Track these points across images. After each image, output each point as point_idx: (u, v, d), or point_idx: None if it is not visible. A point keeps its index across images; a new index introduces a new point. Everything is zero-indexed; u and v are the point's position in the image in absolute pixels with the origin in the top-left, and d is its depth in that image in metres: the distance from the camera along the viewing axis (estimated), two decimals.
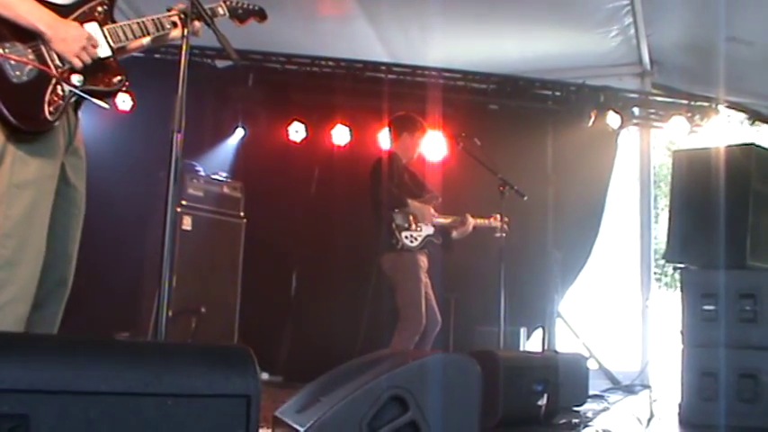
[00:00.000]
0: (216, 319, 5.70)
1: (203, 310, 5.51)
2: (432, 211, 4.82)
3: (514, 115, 7.23)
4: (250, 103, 7.27)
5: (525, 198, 5.20)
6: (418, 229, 4.69)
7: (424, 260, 4.72)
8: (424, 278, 4.69)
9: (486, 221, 5.11)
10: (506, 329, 5.12)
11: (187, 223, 5.63)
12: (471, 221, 4.99)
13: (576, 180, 7.13)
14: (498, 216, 5.14)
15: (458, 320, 6.26)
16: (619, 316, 8.78)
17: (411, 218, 4.68)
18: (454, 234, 4.98)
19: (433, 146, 6.76)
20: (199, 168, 6.04)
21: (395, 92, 6.97)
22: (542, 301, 6.81)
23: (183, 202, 5.65)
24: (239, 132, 7.33)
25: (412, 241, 4.63)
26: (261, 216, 6.55)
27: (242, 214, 6.15)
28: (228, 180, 6.18)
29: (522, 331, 6.34)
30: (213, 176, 6.07)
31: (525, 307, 6.41)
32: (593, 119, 6.98)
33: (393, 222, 4.60)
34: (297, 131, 7.20)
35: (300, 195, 7.09)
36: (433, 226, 4.80)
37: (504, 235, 5.09)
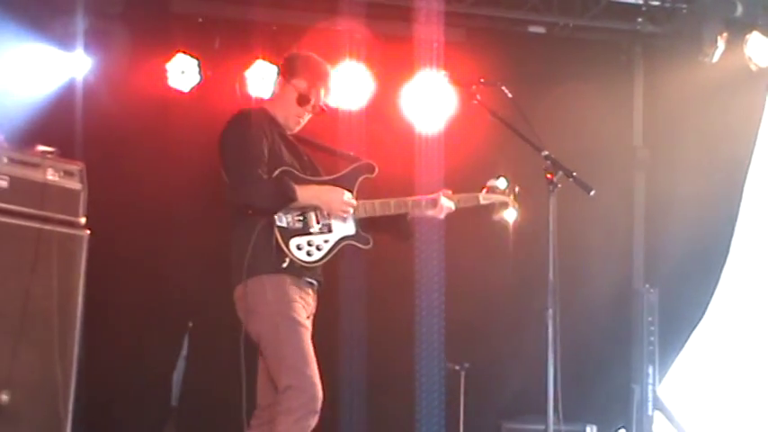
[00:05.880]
0: (30, 411, 5.63)
1: (4, 397, 5.47)
2: (345, 194, 4.86)
3: (574, 45, 7.32)
4: (97, 19, 7.25)
5: (593, 193, 5.25)
6: (324, 229, 4.85)
7: (307, 292, 4.83)
8: (306, 321, 4.77)
9: (478, 197, 5.20)
10: (561, 428, 5.16)
11: None
12: (447, 201, 5.06)
13: (689, 159, 7.20)
14: (494, 183, 5.22)
15: (472, 408, 6.33)
16: None
17: (310, 215, 4.82)
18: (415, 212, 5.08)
19: (427, 98, 6.84)
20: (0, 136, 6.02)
21: (360, 2, 7.03)
22: (625, 380, 6.90)
23: None
24: (78, 71, 7.30)
25: (310, 253, 4.77)
26: (119, 222, 6.57)
27: (82, 219, 6.13)
28: (57, 158, 6.15)
29: None
30: (28, 151, 6.04)
31: (594, 389, 6.49)
32: (719, 48, 7.05)
33: (274, 226, 4.70)
34: (183, 72, 7.21)
35: (193, 185, 7.07)
36: (356, 222, 4.89)
37: (512, 220, 5.17)
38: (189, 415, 7.06)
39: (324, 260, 4.78)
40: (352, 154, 5.12)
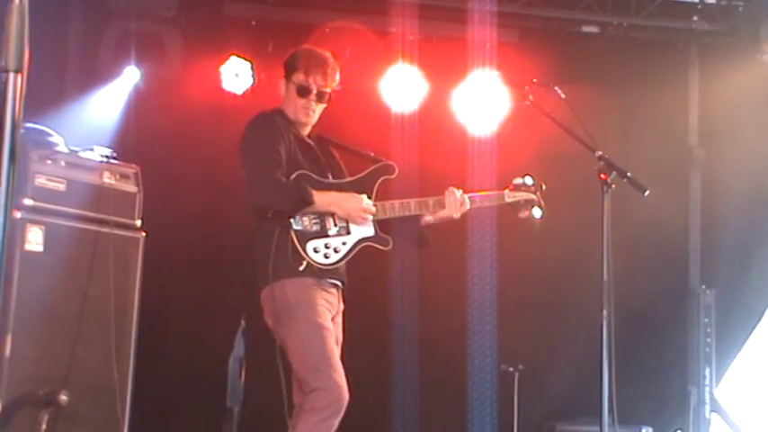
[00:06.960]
0: (88, 411, 5.68)
1: (63, 397, 5.52)
2: (363, 201, 4.89)
3: (628, 44, 7.28)
4: (151, 23, 7.31)
5: (647, 193, 5.24)
6: (342, 231, 4.86)
7: (331, 293, 4.85)
8: (330, 324, 4.78)
9: (503, 195, 5.15)
10: (615, 430, 5.14)
11: (35, 240, 5.64)
12: (458, 200, 5.01)
13: (745, 158, 7.15)
14: (520, 181, 5.17)
15: (526, 410, 6.33)
16: None
17: (327, 218, 4.82)
18: (428, 218, 5.05)
19: (480, 99, 6.86)
20: (56, 140, 6.07)
21: (412, 4, 7.04)
22: (681, 382, 6.87)
23: (28, 202, 5.67)
24: (131, 76, 7.37)
25: (327, 255, 4.78)
26: (175, 225, 6.63)
27: (138, 222, 6.18)
28: (113, 161, 6.21)
29: None
30: (84, 154, 6.10)
31: (650, 391, 6.46)
32: None
33: (291, 230, 4.74)
34: (237, 75, 7.27)
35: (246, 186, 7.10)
36: (375, 223, 4.89)
37: (540, 214, 5.14)
38: (250, 415, 7.09)
39: (341, 262, 4.81)
40: (372, 154, 5.12)
